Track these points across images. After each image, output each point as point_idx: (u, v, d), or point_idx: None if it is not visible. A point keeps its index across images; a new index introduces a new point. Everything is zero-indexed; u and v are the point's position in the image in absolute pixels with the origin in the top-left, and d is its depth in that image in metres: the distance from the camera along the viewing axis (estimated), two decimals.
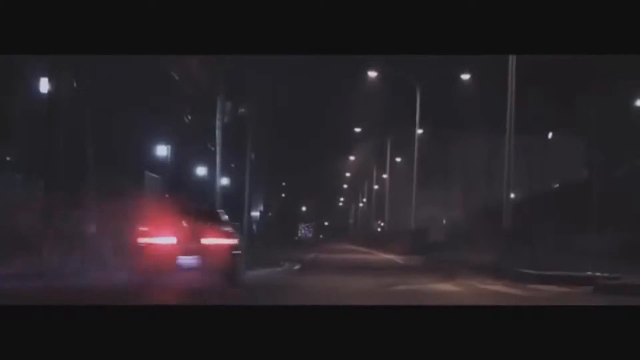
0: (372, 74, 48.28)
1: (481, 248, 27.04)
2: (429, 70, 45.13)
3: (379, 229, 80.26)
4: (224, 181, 40.84)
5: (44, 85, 25.08)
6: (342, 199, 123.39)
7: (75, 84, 25.53)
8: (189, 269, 15.97)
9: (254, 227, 54.94)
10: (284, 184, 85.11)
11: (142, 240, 16.11)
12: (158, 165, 38.89)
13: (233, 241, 16.67)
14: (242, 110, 48.04)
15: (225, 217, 18.52)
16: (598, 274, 18.04)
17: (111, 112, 28.06)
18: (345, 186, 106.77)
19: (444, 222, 56.37)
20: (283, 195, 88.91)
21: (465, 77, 46.51)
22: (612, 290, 15.59)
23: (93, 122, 25.14)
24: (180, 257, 15.89)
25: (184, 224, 16.48)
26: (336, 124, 66.86)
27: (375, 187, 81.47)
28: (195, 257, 15.94)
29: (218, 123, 36.55)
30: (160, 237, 16.08)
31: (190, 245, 16.00)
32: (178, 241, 16.02)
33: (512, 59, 24.84)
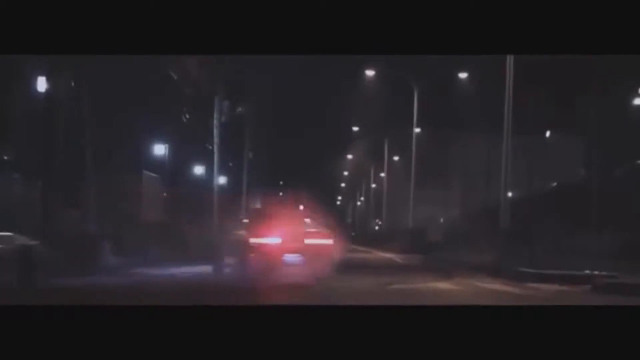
0: (370, 73, 48.22)
1: (480, 248, 27.01)
2: (428, 70, 45.08)
3: (376, 227, 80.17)
4: (222, 180, 40.80)
5: (42, 85, 24.99)
6: (339, 198, 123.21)
7: (73, 84, 25.49)
8: (293, 265, 18.68)
9: None
10: (281, 182, 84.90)
11: (253, 240, 19.03)
12: (156, 165, 38.88)
13: (330, 241, 19.78)
14: (239, 109, 47.97)
15: (307, 219, 20.92)
16: (596, 272, 18.07)
17: (110, 112, 28.04)
18: (343, 185, 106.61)
19: (442, 221, 56.26)
20: (281, 194, 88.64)
21: (464, 76, 46.44)
22: (610, 289, 15.62)
23: (92, 121, 25.12)
24: (286, 255, 18.90)
25: (287, 226, 19.33)
26: (335, 123, 66.79)
27: (373, 186, 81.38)
28: (299, 255, 18.96)
29: (216, 122, 36.51)
30: (269, 237, 19.02)
31: (293, 245, 18.98)
32: (283, 241, 19.02)
33: (509, 59, 24.79)
